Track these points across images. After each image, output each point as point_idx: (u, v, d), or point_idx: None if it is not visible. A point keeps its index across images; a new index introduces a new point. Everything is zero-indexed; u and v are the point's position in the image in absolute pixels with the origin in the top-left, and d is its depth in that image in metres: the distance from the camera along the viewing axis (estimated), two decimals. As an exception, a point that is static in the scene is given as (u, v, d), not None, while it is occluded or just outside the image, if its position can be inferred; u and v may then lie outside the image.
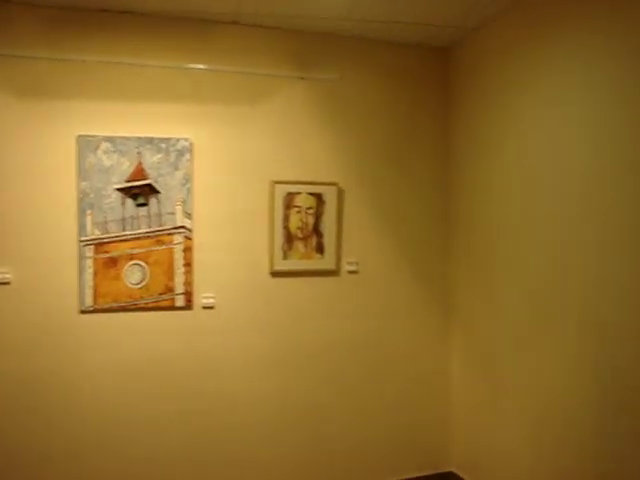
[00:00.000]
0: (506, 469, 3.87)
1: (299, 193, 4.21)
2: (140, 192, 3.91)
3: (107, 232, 3.86)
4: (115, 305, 3.86)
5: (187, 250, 4.00)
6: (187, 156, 3.98)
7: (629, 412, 2.86)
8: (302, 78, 4.21)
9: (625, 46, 2.88)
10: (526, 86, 3.65)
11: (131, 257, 3.90)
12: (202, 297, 4.03)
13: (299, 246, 4.23)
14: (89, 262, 3.83)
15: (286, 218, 4.19)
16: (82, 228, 3.81)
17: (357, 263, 4.35)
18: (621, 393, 2.91)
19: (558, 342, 3.39)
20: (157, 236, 3.95)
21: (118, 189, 3.88)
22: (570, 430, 3.29)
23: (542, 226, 3.51)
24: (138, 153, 3.89)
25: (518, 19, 3.70)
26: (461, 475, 4.42)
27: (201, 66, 4.01)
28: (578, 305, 3.22)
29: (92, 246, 3.83)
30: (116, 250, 3.87)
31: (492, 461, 4.03)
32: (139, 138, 3.89)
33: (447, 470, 4.56)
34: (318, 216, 4.25)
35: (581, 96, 3.18)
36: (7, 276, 3.69)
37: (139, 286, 3.91)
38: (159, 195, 3.94)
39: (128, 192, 3.90)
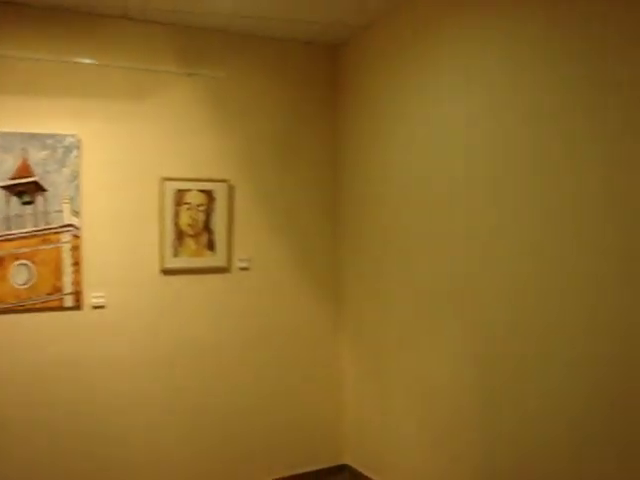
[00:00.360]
0: (399, 460, 4.05)
1: (189, 190, 4.22)
2: (25, 190, 3.79)
3: (-10, 231, 3.71)
4: (0, 306, 3.72)
5: (75, 249, 3.91)
6: (75, 153, 3.89)
7: (510, 405, 3.11)
8: (190, 75, 4.22)
9: (502, 48, 3.12)
10: (414, 84, 3.83)
11: (17, 257, 3.77)
12: (92, 296, 3.95)
13: (190, 243, 4.24)
14: (-29, 263, 3.67)
15: (176, 215, 4.19)
16: (-37, 227, 3.65)
17: (249, 260, 4.42)
18: (502, 390, 3.16)
19: (442, 340, 3.60)
20: (44, 235, 3.84)
21: (2, 187, 3.73)
22: (456, 423, 3.51)
23: (428, 226, 3.72)
24: (23, 149, 3.76)
25: (407, 18, 3.88)
26: (356, 467, 4.57)
27: (89, 61, 3.92)
28: (462, 304, 3.44)
29: (-26, 246, 3.68)
30: (1, 250, 3.72)
31: (385, 453, 4.21)
32: (23, 134, 3.76)
33: (342, 463, 4.71)
34: (209, 213, 4.28)
35: (464, 96, 3.40)
36: None
37: (26, 286, 3.79)
38: (46, 193, 3.83)
39: (13, 190, 3.76)
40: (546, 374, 2.87)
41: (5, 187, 3.74)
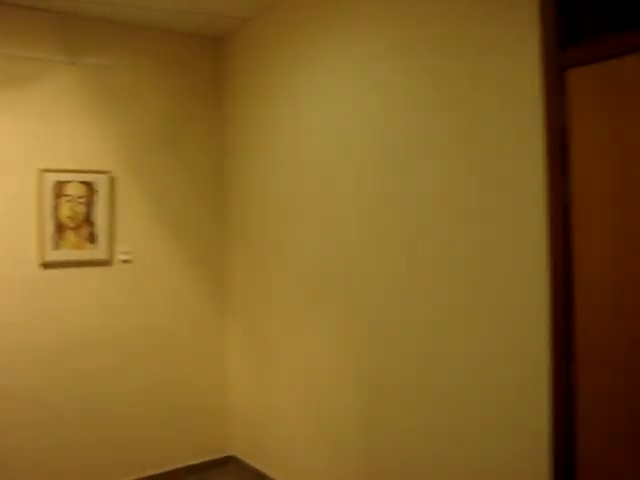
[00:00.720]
0: (285, 449, 4.14)
1: (69, 182, 4.13)
2: None
3: None
4: None
5: (-53, 240, 3.74)
6: (-53, 139, 3.73)
7: (387, 390, 3.28)
8: (73, 63, 4.14)
9: (388, 43, 3.30)
10: (300, 76, 3.97)
11: None
12: (-33, 289, 3.79)
13: (70, 236, 4.15)
14: None
15: (56, 207, 4.09)
16: None
17: (131, 252, 4.37)
18: (380, 375, 3.32)
19: (325, 327, 3.74)
20: None
21: None
22: (338, 410, 3.64)
23: (311, 216, 3.84)
24: None
25: (290, 12, 4.02)
26: (242, 458, 4.61)
27: (-38, 45, 3.77)
28: (342, 291, 3.59)
29: None
30: None
31: (271, 443, 4.28)
32: None
33: (228, 454, 4.73)
34: (90, 205, 4.21)
35: (350, 95, 3.57)
36: None
37: None
38: None
39: None
40: (423, 360, 3.05)
41: None
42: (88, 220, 4.20)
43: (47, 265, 4.05)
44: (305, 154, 3.89)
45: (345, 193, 3.56)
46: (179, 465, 4.51)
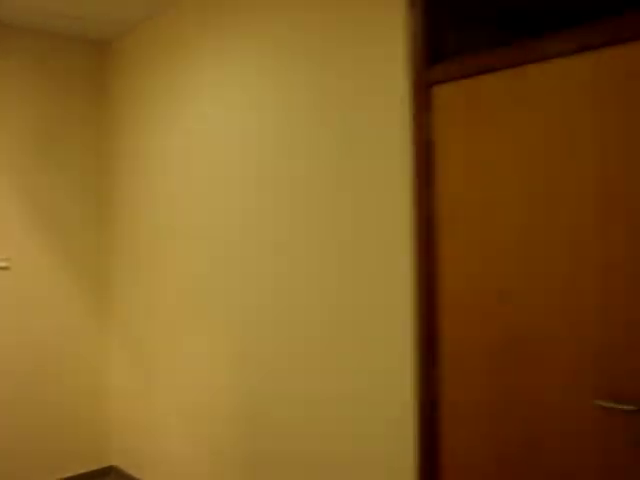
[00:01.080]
0: (164, 458, 4.10)
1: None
2: None
3: None
4: None
5: None
6: None
7: (265, 395, 3.30)
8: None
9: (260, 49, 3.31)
10: (181, 81, 3.95)
11: None
12: None
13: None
14: None
15: None
16: None
17: (8, 259, 4.19)
18: (256, 386, 3.35)
19: (204, 341, 3.73)
20: None
21: None
22: (216, 416, 3.64)
23: (193, 224, 3.80)
24: None
25: (177, 18, 3.99)
26: (122, 468, 4.53)
27: None
28: (220, 307, 3.60)
29: None
30: None
31: (150, 451, 4.23)
32: None
33: (108, 465, 4.64)
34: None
35: (214, 94, 3.57)
36: None
37: None
38: None
39: None
40: (295, 371, 3.09)
41: None
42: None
43: None
44: (179, 174, 3.85)
45: (225, 209, 3.56)
46: (58, 477, 4.39)
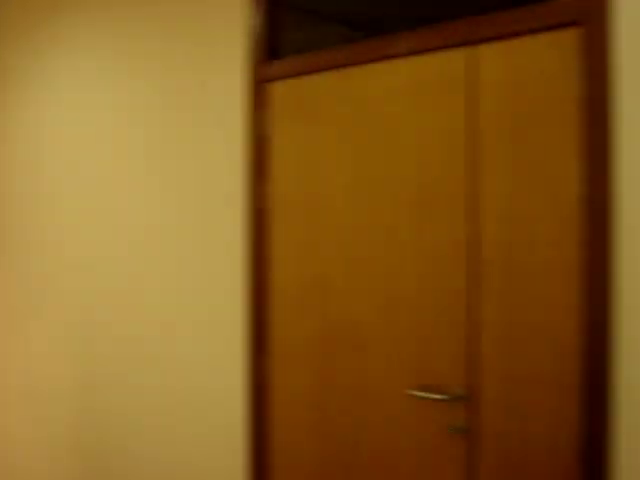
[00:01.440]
0: (3, 451, 3.90)
1: None
2: None
3: None
4: None
5: None
6: None
7: (103, 384, 3.24)
8: None
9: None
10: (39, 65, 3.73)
11: None
12: None
13: None
14: None
15: None
16: None
17: None
18: (96, 378, 3.29)
19: (48, 326, 3.59)
20: None
21: None
22: (59, 410, 3.51)
23: (42, 214, 3.64)
24: None
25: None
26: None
27: None
28: (67, 290, 3.47)
29: None
30: None
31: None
32: None
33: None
34: None
35: (70, 82, 3.45)
36: None
37: None
38: None
39: None
40: (133, 365, 3.08)
41: None
42: None
43: None
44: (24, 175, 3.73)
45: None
46: None
